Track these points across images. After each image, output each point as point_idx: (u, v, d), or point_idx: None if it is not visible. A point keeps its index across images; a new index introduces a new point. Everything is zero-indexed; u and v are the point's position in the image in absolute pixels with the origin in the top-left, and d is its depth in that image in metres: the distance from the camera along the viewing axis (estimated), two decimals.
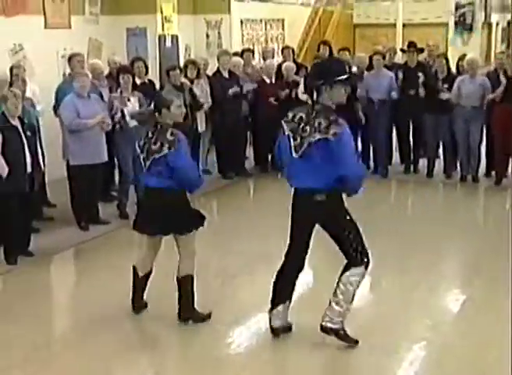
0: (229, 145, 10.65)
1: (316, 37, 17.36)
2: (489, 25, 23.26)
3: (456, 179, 10.37)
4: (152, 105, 5.67)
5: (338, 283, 5.05)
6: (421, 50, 11.22)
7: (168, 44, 11.77)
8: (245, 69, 11.07)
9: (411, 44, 11.26)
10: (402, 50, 11.80)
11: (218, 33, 13.31)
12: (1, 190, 6.85)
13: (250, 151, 11.50)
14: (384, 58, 10.75)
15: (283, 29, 16.28)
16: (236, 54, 11.48)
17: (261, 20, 15.38)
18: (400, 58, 12.11)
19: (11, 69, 8.29)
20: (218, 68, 10.67)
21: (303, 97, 9.32)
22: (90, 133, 7.95)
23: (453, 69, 10.60)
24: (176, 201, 5.40)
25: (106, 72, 9.65)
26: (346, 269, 5.04)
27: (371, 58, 10.73)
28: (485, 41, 22.91)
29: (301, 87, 10.12)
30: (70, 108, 7.90)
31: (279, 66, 11.15)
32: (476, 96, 9.83)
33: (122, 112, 8.35)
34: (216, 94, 10.29)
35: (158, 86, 10.35)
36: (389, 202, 9.96)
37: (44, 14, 10.21)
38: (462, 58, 10.70)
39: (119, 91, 8.52)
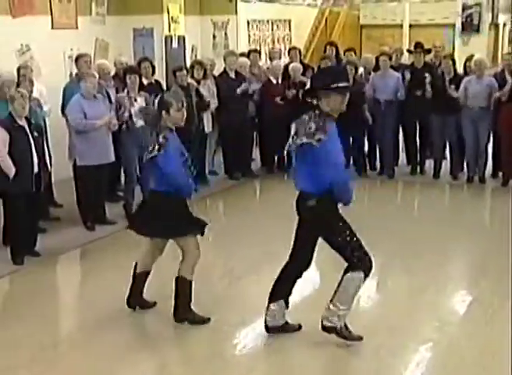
0: (236, 146, 10.65)
1: (323, 38, 17.36)
2: (496, 26, 23.17)
3: (463, 180, 10.34)
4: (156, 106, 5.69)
5: (338, 284, 5.07)
6: (428, 51, 11.21)
7: (175, 44, 11.77)
8: (251, 70, 11.05)
9: (418, 45, 11.25)
10: (409, 51, 11.79)
11: (225, 33, 13.31)
12: (9, 190, 6.88)
13: (256, 152, 11.49)
14: (390, 58, 10.72)
15: (290, 30, 16.29)
16: (242, 54, 11.47)
17: (267, 21, 15.40)
18: (406, 58, 12.08)
19: (18, 70, 8.30)
20: (224, 68, 10.67)
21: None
22: (97, 134, 7.96)
23: (460, 70, 10.57)
24: (171, 205, 5.41)
25: (113, 72, 9.66)
26: (345, 272, 5.06)
27: (377, 58, 10.72)
28: (492, 41, 22.81)
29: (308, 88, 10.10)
30: (77, 108, 7.92)
31: (286, 66, 11.14)
32: (483, 96, 9.80)
33: (129, 112, 8.38)
34: (223, 95, 10.28)
35: (164, 86, 10.36)
36: (395, 203, 9.92)
37: (51, 14, 10.23)
38: (470, 58, 10.64)
39: (125, 91, 8.53)
